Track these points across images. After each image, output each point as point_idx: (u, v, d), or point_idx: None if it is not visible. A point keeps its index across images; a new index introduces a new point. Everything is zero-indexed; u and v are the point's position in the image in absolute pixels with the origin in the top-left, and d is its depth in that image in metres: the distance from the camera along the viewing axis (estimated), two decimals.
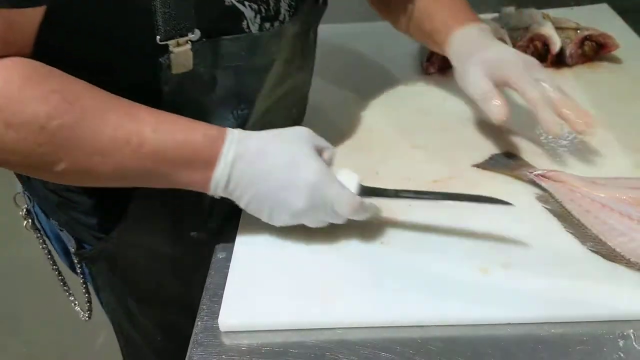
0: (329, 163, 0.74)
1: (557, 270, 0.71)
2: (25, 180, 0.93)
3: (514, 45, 1.11)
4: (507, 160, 0.89)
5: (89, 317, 1.01)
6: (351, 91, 1.11)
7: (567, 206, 0.79)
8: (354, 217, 0.74)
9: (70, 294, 1.01)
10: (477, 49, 0.89)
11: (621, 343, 0.64)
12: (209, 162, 0.69)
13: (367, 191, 0.75)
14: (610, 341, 0.64)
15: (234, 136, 0.71)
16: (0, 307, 2.02)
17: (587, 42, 1.11)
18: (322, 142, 0.75)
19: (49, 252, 0.98)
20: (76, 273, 0.98)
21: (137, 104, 0.69)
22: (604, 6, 1.30)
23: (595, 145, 0.91)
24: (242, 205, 0.73)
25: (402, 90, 1.11)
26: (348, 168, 0.75)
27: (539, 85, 0.84)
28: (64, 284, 1.01)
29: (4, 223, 2.01)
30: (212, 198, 0.73)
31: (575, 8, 1.30)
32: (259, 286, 0.73)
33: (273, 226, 0.81)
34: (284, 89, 0.85)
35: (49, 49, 0.66)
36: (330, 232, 0.79)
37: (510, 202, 0.76)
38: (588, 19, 1.17)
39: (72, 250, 0.92)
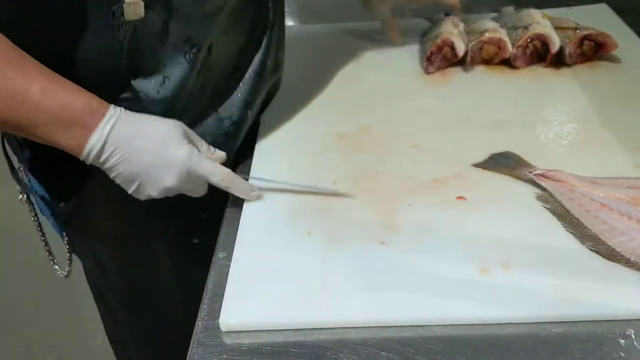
0: (197, 144, 0.81)
1: (557, 269, 0.71)
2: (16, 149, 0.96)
3: (513, 45, 1.12)
4: (506, 159, 0.89)
5: (68, 274, 1.05)
6: (350, 91, 1.11)
7: (567, 206, 0.79)
8: (234, 191, 0.82)
9: (54, 262, 1.05)
10: None
11: (621, 342, 0.64)
12: (85, 129, 0.74)
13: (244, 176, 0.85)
14: (610, 340, 0.64)
15: (116, 112, 0.76)
16: None
17: (586, 42, 1.10)
18: (195, 136, 0.82)
19: (39, 224, 1.02)
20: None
21: (36, 62, 0.74)
22: (603, 6, 1.30)
23: (595, 145, 0.91)
24: (112, 176, 0.78)
25: (402, 90, 1.11)
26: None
27: None
28: (49, 253, 1.04)
29: (4, 224, 2.02)
30: None
31: (574, 8, 1.30)
32: (259, 286, 0.73)
33: (273, 226, 0.82)
34: (235, 32, 0.92)
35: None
36: (331, 232, 0.79)
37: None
38: (587, 18, 1.17)
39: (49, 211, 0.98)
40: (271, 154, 0.96)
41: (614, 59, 1.12)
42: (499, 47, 1.12)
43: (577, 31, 1.11)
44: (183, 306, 1.02)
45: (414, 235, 0.78)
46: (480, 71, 1.14)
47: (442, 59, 1.13)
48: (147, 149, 0.76)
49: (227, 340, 0.68)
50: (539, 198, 0.82)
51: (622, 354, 0.63)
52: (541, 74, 1.11)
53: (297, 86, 1.12)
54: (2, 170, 0.97)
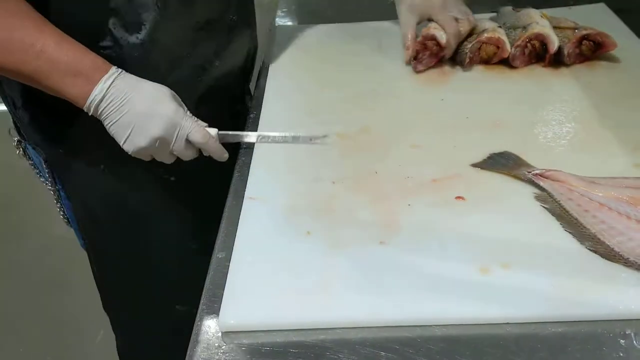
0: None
1: (556, 269, 0.72)
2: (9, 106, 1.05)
3: (512, 45, 1.12)
4: (505, 159, 0.89)
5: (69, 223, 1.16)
6: (350, 91, 1.11)
7: (566, 205, 0.79)
8: (209, 149, 0.91)
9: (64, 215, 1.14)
10: None
11: (621, 342, 0.64)
12: (90, 81, 0.85)
13: (224, 136, 0.93)
14: (610, 340, 0.64)
15: (117, 71, 0.87)
16: None
17: (585, 42, 1.11)
18: (182, 103, 0.90)
19: (36, 168, 1.12)
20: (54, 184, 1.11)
21: (50, 23, 0.85)
22: (602, 5, 1.31)
23: (594, 145, 0.92)
24: (107, 125, 0.87)
25: (402, 90, 1.11)
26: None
27: (454, 22, 1.12)
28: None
29: (4, 224, 2.02)
30: None
31: (573, 7, 1.30)
32: (258, 286, 0.73)
33: (272, 226, 0.82)
34: None
35: None
36: (330, 232, 0.79)
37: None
38: (585, 18, 1.17)
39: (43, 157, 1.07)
40: (270, 154, 0.96)
41: (612, 59, 1.12)
42: (498, 47, 1.13)
43: (576, 31, 1.11)
44: (177, 259, 1.13)
45: (413, 235, 0.78)
46: (479, 71, 1.14)
47: (429, 55, 1.14)
48: (140, 101, 0.86)
49: (227, 341, 0.68)
50: (537, 198, 0.82)
51: (622, 354, 0.63)
52: (540, 74, 1.11)
53: (296, 86, 1.12)
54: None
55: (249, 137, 0.96)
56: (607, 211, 0.76)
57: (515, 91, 1.07)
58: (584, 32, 1.10)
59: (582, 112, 1.00)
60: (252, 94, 1.18)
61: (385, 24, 1.33)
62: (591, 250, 0.74)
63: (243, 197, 0.88)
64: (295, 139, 0.95)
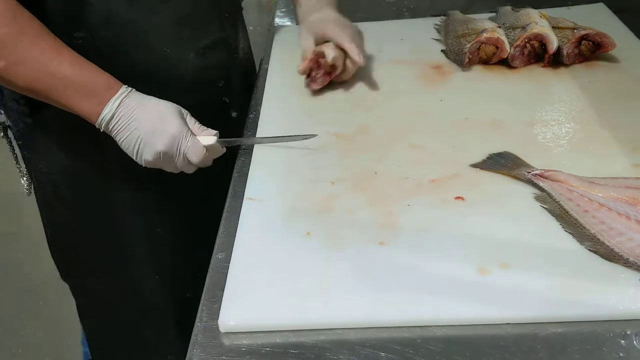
0: (191, 126, 0.93)
1: (556, 269, 0.72)
2: None
3: (511, 45, 1.12)
4: (505, 160, 0.89)
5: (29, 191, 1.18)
6: (349, 91, 1.11)
7: (565, 206, 0.79)
8: (203, 165, 0.94)
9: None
10: (310, 14, 1.15)
11: (621, 342, 0.64)
12: (102, 100, 0.89)
13: (224, 142, 0.96)
14: (610, 340, 0.64)
15: (127, 90, 0.91)
16: None
17: (584, 42, 1.11)
18: (190, 117, 0.94)
19: (16, 157, 1.14)
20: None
21: (63, 43, 0.90)
22: (601, 5, 1.31)
23: (593, 145, 0.92)
24: (118, 140, 0.91)
25: (400, 90, 1.11)
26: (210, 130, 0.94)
27: (349, 37, 1.09)
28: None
29: (5, 225, 2.02)
30: None
31: (572, 7, 1.31)
32: (258, 287, 0.73)
33: (272, 227, 0.82)
34: None
35: None
36: (330, 233, 0.79)
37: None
38: (584, 18, 1.17)
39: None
40: (269, 154, 0.96)
41: (612, 59, 1.12)
42: (497, 47, 1.13)
43: (575, 31, 1.11)
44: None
45: (413, 235, 0.78)
46: (478, 71, 1.14)
47: (323, 74, 1.09)
48: (146, 119, 0.90)
49: (226, 342, 0.68)
50: (537, 198, 0.82)
51: (622, 354, 0.63)
52: (539, 74, 1.11)
53: (295, 86, 1.12)
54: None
55: (242, 141, 1.00)
56: (607, 211, 0.76)
57: (515, 91, 1.07)
58: (583, 32, 1.10)
59: (581, 112, 1.00)
60: (253, 93, 1.18)
61: (384, 24, 1.34)
62: (591, 251, 0.74)
63: (242, 197, 0.88)
64: (283, 139, 0.98)
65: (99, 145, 0.99)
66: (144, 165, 0.93)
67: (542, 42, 1.11)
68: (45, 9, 0.93)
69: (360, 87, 1.12)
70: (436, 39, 1.25)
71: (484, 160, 0.90)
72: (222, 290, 0.73)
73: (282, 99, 1.11)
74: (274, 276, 0.74)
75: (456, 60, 1.16)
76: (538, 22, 1.12)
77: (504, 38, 1.12)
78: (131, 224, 1.14)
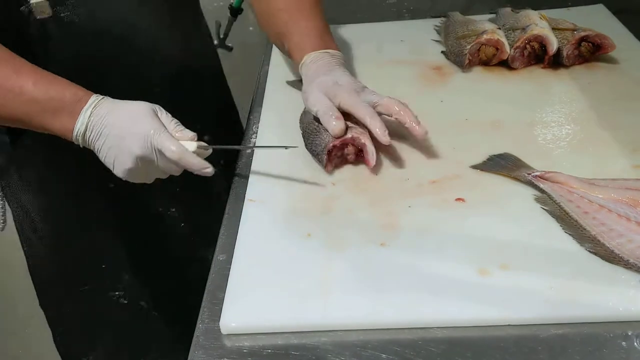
0: (167, 124, 0.86)
1: (556, 271, 0.72)
2: None
3: (511, 46, 1.12)
4: (505, 161, 0.89)
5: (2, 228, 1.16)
6: None
7: (566, 207, 0.79)
8: (186, 166, 0.84)
9: None
10: (320, 74, 0.98)
11: (622, 344, 0.64)
12: (72, 114, 0.85)
13: (203, 147, 0.87)
14: (610, 342, 0.65)
15: (97, 99, 0.86)
16: None
17: (584, 43, 1.11)
18: (167, 116, 0.87)
19: None
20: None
21: (24, 60, 0.87)
22: (601, 7, 1.31)
23: (593, 146, 0.92)
24: (99, 155, 0.86)
25: (401, 91, 1.10)
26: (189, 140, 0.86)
27: (367, 106, 0.92)
28: None
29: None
30: None
31: (572, 8, 1.30)
32: (259, 288, 0.73)
33: (273, 228, 0.82)
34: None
35: None
36: (331, 234, 0.80)
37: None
38: (584, 19, 1.17)
39: None
40: (270, 156, 0.96)
41: (611, 60, 1.12)
42: (497, 49, 1.13)
43: (575, 32, 1.11)
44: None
45: (413, 236, 0.79)
46: (478, 72, 1.14)
47: (340, 157, 0.93)
48: (116, 124, 0.84)
49: (228, 343, 0.69)
50: (537, 200, 0.82)
51: (623, 356, 0.63)
52: (539, 75, 1.11)
53: (295, 87, 1.12)
54: None
55: (223, 147, 0.94)
56: (607, 213, 0.76)
57: (515, 92, 1.07)
58: (583, 33, 1.10)
59: (581, 113, 1.00)
60: (254, 93, 1.18)
61: (384, 25, 1.34)
62: (591, 252, 0.74)
63: (243, 199, 0.88)
64: (264, 148, 0.98)
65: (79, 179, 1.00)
66: (124, 178, 0.86)
67: (542, 44, 1.11)
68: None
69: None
70: (436, 40, 1.25)
71: (484, 161, 0.90)
72: (224, 291, 0.73)
73: (282, 99, 1.11)
74: (275, 277, 0.75)
75: (456, 62, 1.16)
76: (538, 23, 1.12)
77: (504, 39, 1.12)
78: (111, 252, 1.16)
